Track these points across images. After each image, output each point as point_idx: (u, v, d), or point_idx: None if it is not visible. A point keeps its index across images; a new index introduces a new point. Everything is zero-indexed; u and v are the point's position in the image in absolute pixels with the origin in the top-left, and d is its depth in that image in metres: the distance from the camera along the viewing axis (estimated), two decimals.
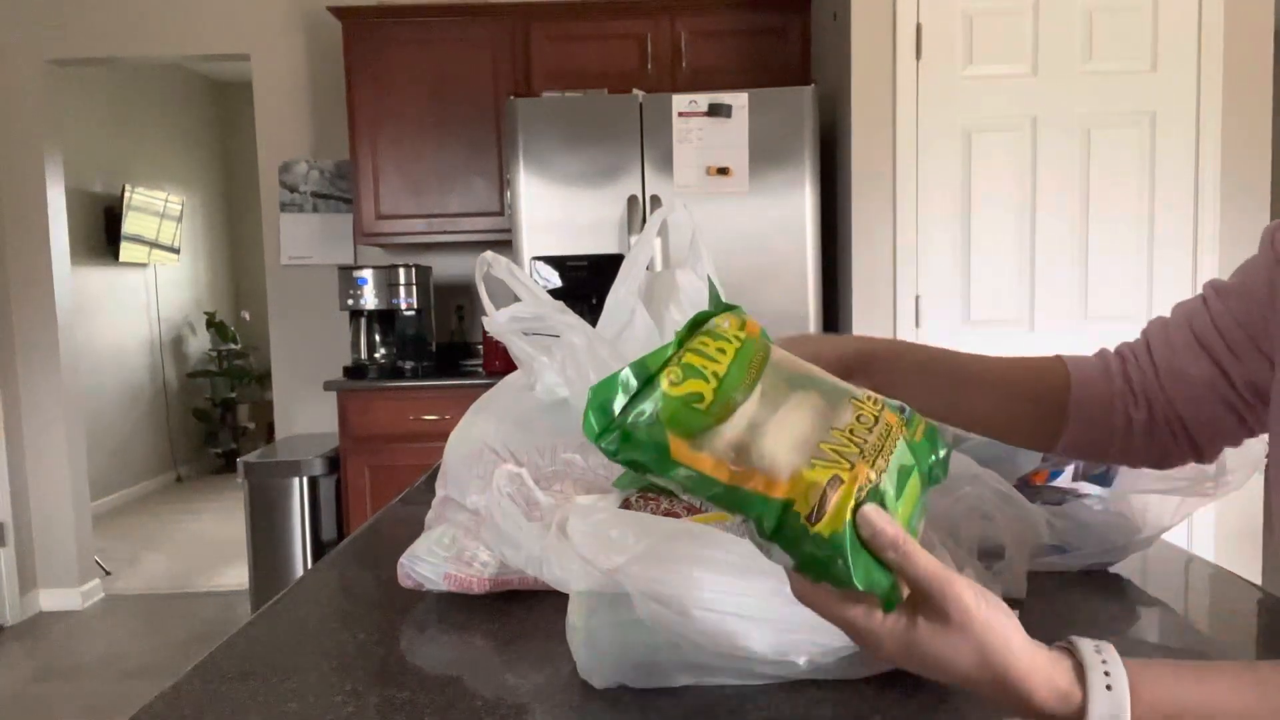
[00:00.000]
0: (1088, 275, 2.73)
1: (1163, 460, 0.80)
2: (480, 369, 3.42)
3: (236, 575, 4.01)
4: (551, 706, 0.66)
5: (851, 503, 0.44)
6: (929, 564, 0.45)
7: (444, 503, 0.95)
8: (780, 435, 0.47)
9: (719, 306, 0.52)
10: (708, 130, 2.81)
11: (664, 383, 0.47)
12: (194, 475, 6.39)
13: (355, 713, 0.65)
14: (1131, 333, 0.82)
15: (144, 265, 5.81)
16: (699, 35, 3.30)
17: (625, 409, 0.46)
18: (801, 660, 0.63)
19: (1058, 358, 0.81)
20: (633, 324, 0.98)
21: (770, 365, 0.50)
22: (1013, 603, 0.73)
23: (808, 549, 0.45)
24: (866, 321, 2.80)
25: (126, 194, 5.46)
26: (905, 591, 0.46)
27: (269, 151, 3.64)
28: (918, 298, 2.76)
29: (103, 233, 5.45)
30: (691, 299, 1.07)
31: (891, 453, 0.48)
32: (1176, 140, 2.69)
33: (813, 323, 2.86)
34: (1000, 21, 2.69)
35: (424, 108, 3.33)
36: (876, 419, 0.49)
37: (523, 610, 0.83)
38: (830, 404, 0.49)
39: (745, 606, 0.62)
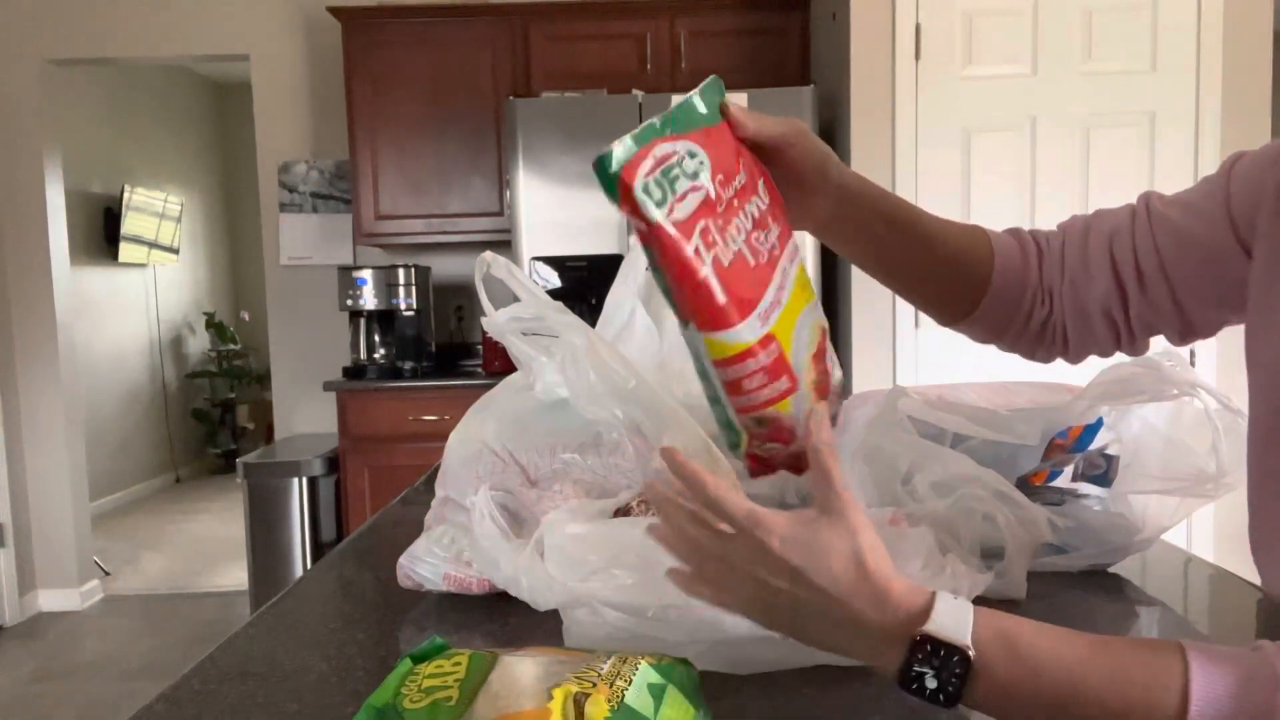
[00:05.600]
0: None
1: (1033, 353, 0.83)
2: (480, 369, 3.42)
3: (236, 575, 4.01)
4: None
5: (606, 709, 0.43)
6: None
7: (444, 503, 0.95)
8: None
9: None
10: None
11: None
12: (193, 476, 6.39)
13: (355, 713, 0.65)
14: None
15: (143, 265, 5.81)
16: (698, 35, 3.30)
17: None
18: (779, 635, 0.64)
19: (983, 232, 0.82)
20: (632, 324, 0.98)
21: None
22: (1012, 603, 0.73)
23: None
24: (866, 320, 2.80)
25: (126, 194, 5.46)
26: None
27: (268, 152, 3.65)
28: None
29: (102, 233, 5.45)
30: None
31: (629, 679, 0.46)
32: (1176, 140, 2.69)
33: None
34: (1000, 22, 2.69)
35: (423, 108, 3.32)
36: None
37: (522, 610, 0.83)
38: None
39: None
